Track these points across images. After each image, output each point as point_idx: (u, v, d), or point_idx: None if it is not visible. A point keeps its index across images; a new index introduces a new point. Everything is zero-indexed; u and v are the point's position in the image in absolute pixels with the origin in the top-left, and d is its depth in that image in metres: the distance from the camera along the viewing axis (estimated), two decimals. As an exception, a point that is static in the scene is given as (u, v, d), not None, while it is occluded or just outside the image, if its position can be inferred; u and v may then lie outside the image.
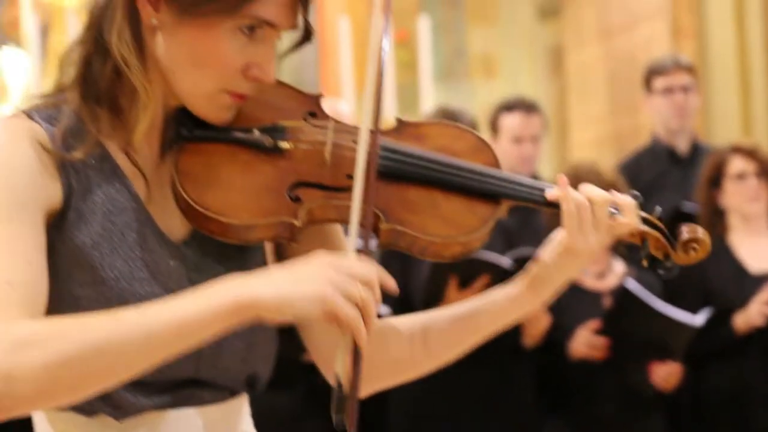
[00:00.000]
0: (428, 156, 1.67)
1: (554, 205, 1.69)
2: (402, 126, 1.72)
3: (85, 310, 1.53)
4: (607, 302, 4.36)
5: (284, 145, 1.63)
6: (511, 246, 4.30)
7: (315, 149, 1.64)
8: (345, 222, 1.59)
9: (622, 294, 4.22)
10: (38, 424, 1.63)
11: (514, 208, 1.71)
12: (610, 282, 4.40)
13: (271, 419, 1.89)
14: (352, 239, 1.54)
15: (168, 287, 1.58)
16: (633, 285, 4.18)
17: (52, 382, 1.39)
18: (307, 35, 1.64)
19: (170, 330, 1.41)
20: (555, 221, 1.72)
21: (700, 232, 1.73)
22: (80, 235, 1.56)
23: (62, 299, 1.55)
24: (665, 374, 4.29)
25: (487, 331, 1.75)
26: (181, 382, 1.61)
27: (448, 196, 1.66)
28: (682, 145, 5.17)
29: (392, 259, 3.85)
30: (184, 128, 1.62)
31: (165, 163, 1.63)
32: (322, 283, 1.43)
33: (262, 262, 1.69)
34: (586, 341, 4.26)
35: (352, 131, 1.65)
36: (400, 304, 4.12)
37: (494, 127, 4.90)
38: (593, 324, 4.27)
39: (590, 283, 4.37)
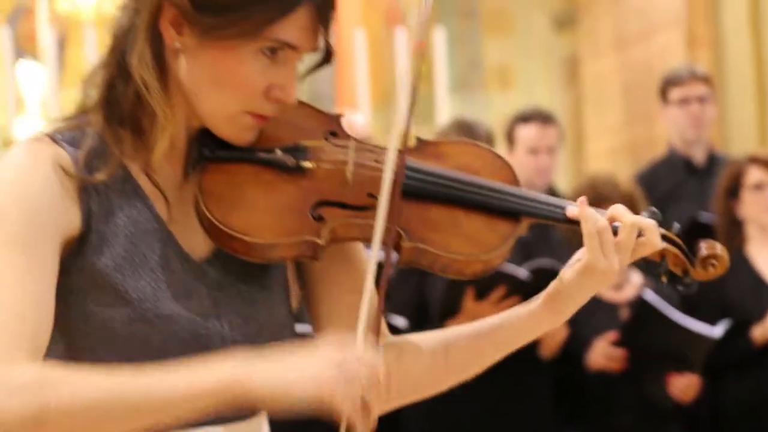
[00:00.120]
0: (449, 175, 1.68)
1: (574, 223, 1.69)
2: (422, 145, 1.73)
3: (110, 330, 1.56)
4: (624, 314, 4.34)
5: (306, 164, 1.64)
6: (527, 257, 4.29)
7: (337, 168, 1.65)
8: (367, 240, 1.60)
9: (640, 305, 4.21)
10: None
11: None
12: (627, 293, 4.39)
13: (283, 428, 1.90)
14: (373, 258, 1.55)
15: (191, 306, 1.60)
16: (651, 296, 4.17)
17: (38, 429, 1.44)
18: (327, 57, 1.65)
19: (163, 399, 1.45)
20: (572, 235, 1.72)
21: (719, 248, 1.73)
22: (102, 258, 1.57)
23: (85, 319, 1.57)
24: (683, 386, 4.27)
25: (507, 349, 1.75)
26: None
27: (469, 214, 1.67)
28: (699, 156, 5.16)
29: (409, 270, 3.84)
30: (207, 149, 1.63)
31: (188, 183, 1.64)
32: (323, 381, 1.44)
33: (283, 281, 1.70)
34: (603, 352, 4.25)
35: (373, 150, 1.67)
36: (417, 315, 4.12)
37: (510, 138, 4.90)
38: (611, 335, 4.26)
39: (608, 294, 4.36)
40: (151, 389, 1.45)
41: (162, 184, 1.62)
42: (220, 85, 1.58)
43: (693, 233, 4.80)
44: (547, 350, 4.26)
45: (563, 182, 7.47)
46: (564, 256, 4.16)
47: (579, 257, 1.71)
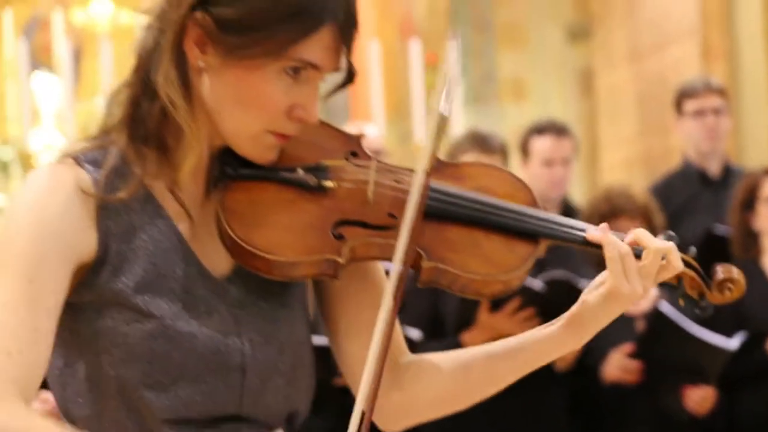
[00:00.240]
0: (469, 196, 1.70)
1: (594, 246, 1.70)
2: (442, 166, 1.75)
3: (131, 346, 1.57)
4: (640, 326, 4.33)
5: (328, 183, 1.66)
6: (541, 269, 4.29)
7: (357, 188, 1.67)
8: (386, 259, 1.62)
9: (656, 317, 4.20)
10: None
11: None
12: (643, 306, 4.37)
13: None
14: (393, 276, 1.57)
15: (211, 324, 1.61)
16: (667, 308, 4.16)
17: None
18: (350, 77, 1.67)
19: None
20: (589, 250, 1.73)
21: (735, 272, 1.74)
22: (123, 277, 1.59)
23: (103, 336, 1.58)
24: (699, 398, 4.26)
25: (526, 370, 1.75)
26: (223, 418, 1.62)
27: (488, 235, 1.68)
28: (714, 168, 5.15)
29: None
30: (229, 167, 1.65)
31: (210, 201, 1.66)
32: None
33: (303, 299, 1.72)
34: (619, 365, 4.24)
35: (394, 170, 1.70)
36: (432, 327, 4.11)
37: (525, 150, 4.89)
38: (626, 347, 4.25)
39: (623, 306, 4.35)
40: None
41: (186, 203, 1.64)
42: (243, 103, 1.60)
43: (708, 245, 4.80)
44: (563, 362, 4.25)
45: (577, 194, 7.46)
46: (577, 267, 4.16)
47: (601, 280, 1.71)
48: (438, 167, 1.73)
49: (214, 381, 1.60)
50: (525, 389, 4.18)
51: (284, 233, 1.61)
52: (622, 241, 1.68)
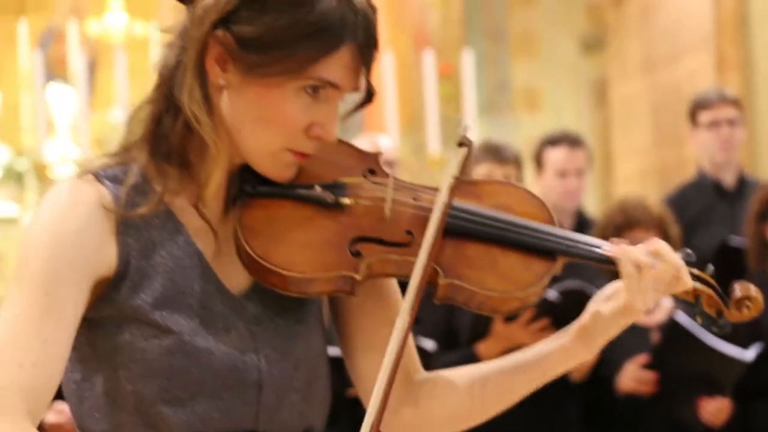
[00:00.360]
0: (487, 213, 1.71)
1: (612, 263, 1.71)
2: (461, 184, 1.75)
3: (149, 362, 1.58)
4: (655, 337, 4.32)
5: (345, 201, 1.67)
6: (557, 279, 4.28)
7: (375, 205, 1.68)
8: (403, 276, 1.63)
9: (672, 327, 4.19)
10: None
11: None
12: (658, 317, 4.36)
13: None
14: (410, 293, 1.58)
15: (228, 340, 1.62)
16: (683, 318, 4.15)
17: None
18: (369, 97, 1.67)
19: None
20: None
21: (753, 290, 1.74)
22: (141, 293, 1.59)
23: (121, 352, 1.59)
24: (714, 409, 4.24)
25: (539, 383, 1.76)
26: None
27: (505, 252, 1.69)
28: (729, 179, 5.14)
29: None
30: (248, 185, 1.66)
31: (228, 218, 1.67)
32: None
33: (319, 314, 1.72)
34: (634, 375, 4.23)
35: (411, 188, 1.71)
36: (446, 337, 4.11)
37: (539, 161, 4.89)
38: (642, 358, 4.24)
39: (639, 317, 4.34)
40: None
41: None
42: (262, 121, 1.61)
43: (723, 257, 4.78)
44: (578, 373, 4.24)
45: (591, 205, 7.46)
46: (591, 277, 4.15)
47: (612, 292, 1.72)
48: (457, 185, 1.74)
49: (231, 397, 1.61)
50: (540, 399, 4.18)
51: (301, 250, 1.62)
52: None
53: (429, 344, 3.83)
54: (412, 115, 8.57)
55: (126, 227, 1.60)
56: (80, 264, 1.56)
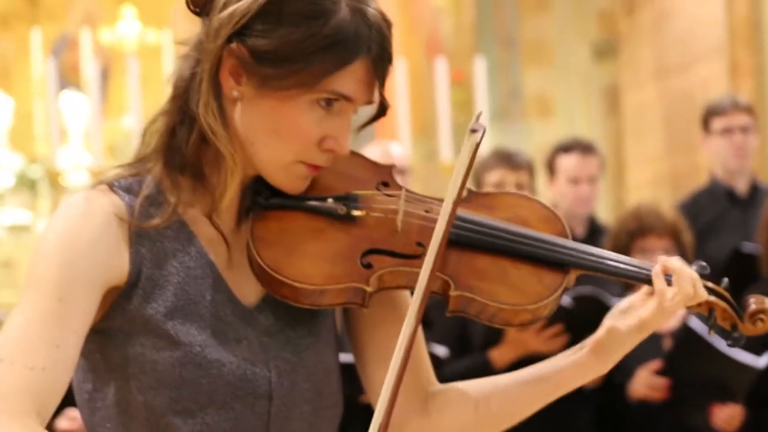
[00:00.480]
0: (499, 225, 1.71)
1: (625, 276, 1.71)
2: (473, 196, 1.76)
3: (159, 373, 1.58)
4: (667, 344, 4.32)
5: (357, 213, 1.68)
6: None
7: (387, 217, 1.68)
8: (414, 288, 1.62)
9: (685, 333, 4.18)
10: None
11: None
12: (670, 323, 4.36)
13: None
14: (416, 297, 1.58)
15: (239, 352, 1.62)
16: (696, 324, 4.14)
17: None
18: (382, 110, 1.68)
19: None
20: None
21: None
22: (153, 303, 1.60)
23: (132, 362, 1.60)
24: (727, 416, 4.23)
25: (552, 397, 1.76)
26: None
27: (517, 264, 1.69)
28: (741, 186, 5.14)
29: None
30: (261, 197, 1.67)
31: (241, 230, 1.68)
32: None
33: (331, 327, 1.73)
34: (646, 382, 4.23)
35: (424, 200, 1.71)
36: (459, 344, 4.11)
37: (551, 168, 4.89)
38: (654, 364, 4.23)
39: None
40: None
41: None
42: (276, 133, 1.61)
43: (736, 264, 4.76)
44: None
45: (603, 212, 7.45)
46: (604, 283, 4.13)
47: (628, 306, 1.72)
48: (469, 197, 1.75)
49: (242, 408, 1.61)
50: (552, 405, 4.18)
51: (313, 261, 1.63)
52: (650, 270, 1.70)
53: (441, 350, 3.83)
54: (424, 122, 8.57)
55: (139, 237, 1.61)
56: (93, 272, 1.57)
